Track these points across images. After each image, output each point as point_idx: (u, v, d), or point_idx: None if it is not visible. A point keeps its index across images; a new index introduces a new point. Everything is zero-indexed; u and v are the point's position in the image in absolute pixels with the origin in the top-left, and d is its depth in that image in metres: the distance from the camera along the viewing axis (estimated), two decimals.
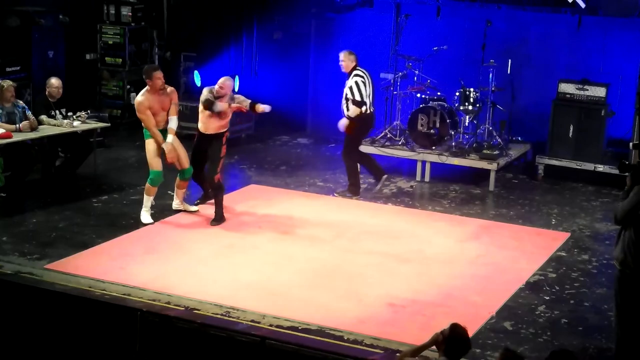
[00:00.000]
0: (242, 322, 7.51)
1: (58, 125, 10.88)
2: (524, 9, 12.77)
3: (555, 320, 7.88)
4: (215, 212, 10.10)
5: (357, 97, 10.93)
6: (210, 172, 10.13)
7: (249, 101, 10.21)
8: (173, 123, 10.00)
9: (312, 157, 13.42)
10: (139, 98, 9.93)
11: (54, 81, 11.19)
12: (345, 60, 11.09)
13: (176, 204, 10.41)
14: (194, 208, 10.44)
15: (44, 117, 10.95)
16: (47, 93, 11.17)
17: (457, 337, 5.69)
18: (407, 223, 10.44)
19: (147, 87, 9.97)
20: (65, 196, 10.77)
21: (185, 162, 10.17)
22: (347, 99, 11.03)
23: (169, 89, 10.05)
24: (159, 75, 9.94)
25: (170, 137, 9.95)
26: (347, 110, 11.04)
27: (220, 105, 9.95)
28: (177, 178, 10.29)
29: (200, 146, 10.24)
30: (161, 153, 9.98)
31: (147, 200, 10.02)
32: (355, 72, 11.05)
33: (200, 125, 10.18)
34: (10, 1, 12.88)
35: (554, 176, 12.45)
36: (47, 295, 7.98)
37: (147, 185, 10.00)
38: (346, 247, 9.48)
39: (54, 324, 7.82)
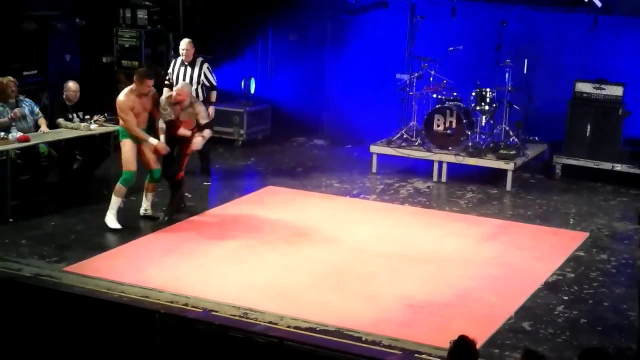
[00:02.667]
0: (260, 323, 7.52)
1: (75, 129, 10.93)
2: (539, 9, 12.74)
3: (575, 320, 7.85)
4: (167, 207, 10.09)
5: (215, 82, 11.47)
6: (173, 170, 10.03)
7: (204, 120, 10.08)
8: (162, 122, 9.97)
9: (328, 158, 13.42)
10: (122, 98, 9.90)
11: (72, 85, 11.23)
12: (190, 48, 11.39)
13: (145, 208, 10.25)
14: (159, 215, 10.19)
15: (61, 121, 10.99)
16: (64, 97, 11.21)
17: (463, 350, 5.61)
18: (424, 224, 10.42)
19: (131, 87, 9.95)
20: (83, 199, 10.81)
21: (155, 163, 10.07)
22: (203, 86, 11.40)
23: (152, 91, 10.05)
24: (150, 83, 9.92)
25: (162, 137, 9.91)
26: (204, 95, 11.38)
27: (161, 122, 9.95)
28: (147, 181, 10.21)
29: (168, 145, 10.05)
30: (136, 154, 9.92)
31: (115, 203, 9.86)
32: (200, 59, 11.48)
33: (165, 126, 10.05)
34: (26, 5, 12.93)
35: (572, 176, 12.41)
36: (66, 297, 8.00)
37: (119, 185, 9.87)
38: (363, 248, 9.47)
39: (72, 326, 7.84)
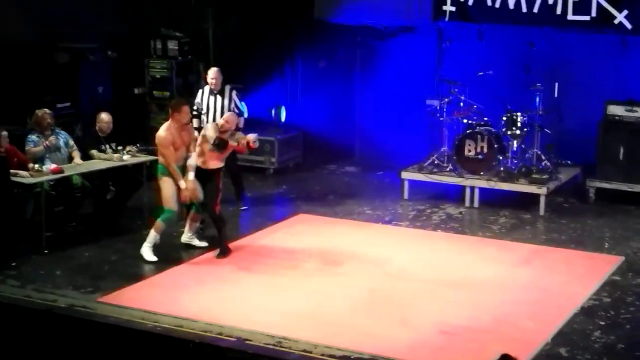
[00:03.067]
0: (294, 352, 7.49)
1: (108, 160, 11.02)
2: (567, 31, 12.69)
3: (612, 345, 7.75)
4: (220, 245, 9.98)
5: (243, 109, 11.69)
6: (210, 205, 9.92)
7: (246, 138, 10.04)
8: (192, 159, 9.85)
9: (360, 185, 13.41)
10: (162, 133, 9.74)
11: (104, 116, 11.34)
12: (218, 77, 11.48)
13: (187, 237, 10.27)
14: (203, 244, 10.25)
15: (94, 152, 11.10)
16: (97, 128, 11.32)
17: None
18: (456, 249, 10.37)
19: (170, 121, 9.83)
20: (116, 229, 10.89)
21: (200, 194, 9.92)
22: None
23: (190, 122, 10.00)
24: (187, 109, 9.88)
25: (192, 175, 9.76)
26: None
27: (192, 159, 9.85)
28: (192, 211, 10.15)
29: (199, 181, 9.89)
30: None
31: (153, 238, 9.83)
32: (228, 86, 11.57)
33: (198, 161, 9.85)
34: (58, 38, 13.10)
35: (605, 199, 12.29)
36: (100, 327, 8.05)
37: (159, 222, 9.81)
38: (396, 275, 9.44)
39: (107, 357, 7.88)
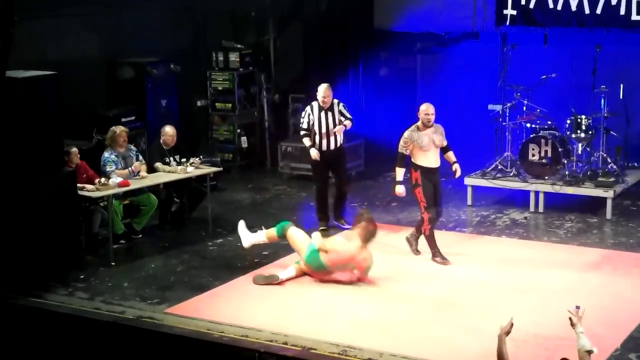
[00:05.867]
0: None
1: (172, 172, 11.14)
2: (635, 31, 12.47)
3: None
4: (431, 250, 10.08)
5: (350, 116, 11.27)
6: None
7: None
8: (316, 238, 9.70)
9: None
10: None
11: (169, 129, 11.47)
12: (329, 94, 11.09)
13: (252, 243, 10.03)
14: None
15: (158, 165, 11.23)
16: (161, 141, 11.45)
17: None
18: (523, 255, 10.25)
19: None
20: (181, 241, 10.99)
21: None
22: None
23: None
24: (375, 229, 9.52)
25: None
26: (342, 138, 11.31)
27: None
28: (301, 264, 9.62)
29: (433, 181, 10.08)
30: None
31: (259, 238, 9.87)
32: (335, 100, 11.21)
33: (426, 162, 10.01)
34: (123, 53, 13.31)
35: None
36: (167, 338, 8.12)
37: (275, 237, 9.82)
38: (464, 281, 9.37)
39: None
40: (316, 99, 11.18)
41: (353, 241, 9.34)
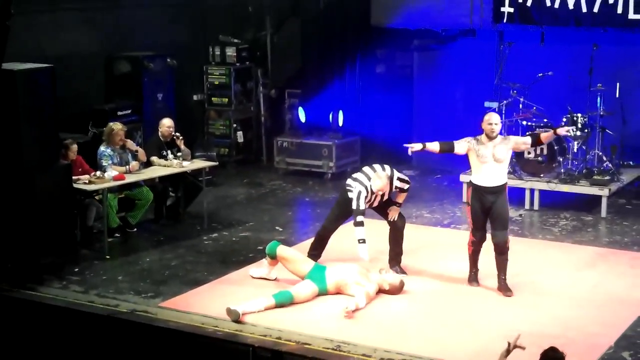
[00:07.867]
0: (353, 356, 7.48)
1: (168, 166, 11.13)
2: (632, 30, 12.47)
3: None
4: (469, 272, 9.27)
5: None
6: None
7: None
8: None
9: (419, 189, 13.29)
10: None
11: (166, 121, 11.46)
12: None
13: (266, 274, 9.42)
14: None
15: (154, 158, 11.22)
16: (159, 133, 11.44)
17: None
18: (518, 253, 10.20)
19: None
20: (177, 235, 10.99)
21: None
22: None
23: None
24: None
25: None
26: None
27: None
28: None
29: (484, 202, 8.86)
30: None
31: (262, 269, 9.43)
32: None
33: (479, 178, 8.87)
34: (120, 48, 13.29)
35: None
36: (162, 332, 8.13)
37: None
38: (458, 278, 9.36)
39: None
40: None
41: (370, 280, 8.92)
